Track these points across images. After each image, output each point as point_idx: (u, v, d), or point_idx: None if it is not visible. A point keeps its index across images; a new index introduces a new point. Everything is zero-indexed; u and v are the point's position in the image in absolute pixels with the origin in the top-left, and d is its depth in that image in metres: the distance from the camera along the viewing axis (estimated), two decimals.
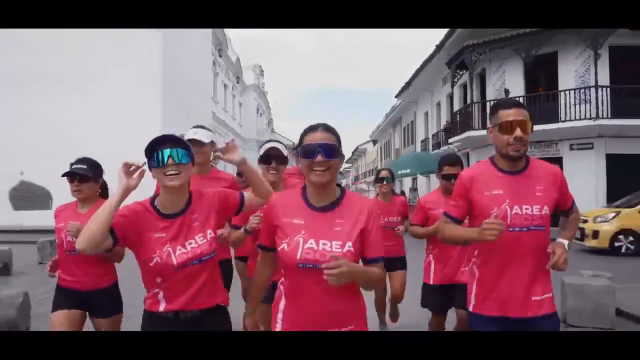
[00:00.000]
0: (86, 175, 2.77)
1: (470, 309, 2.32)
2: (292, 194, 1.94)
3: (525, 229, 2.14)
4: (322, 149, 1.76)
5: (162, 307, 1.99)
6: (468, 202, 2.29)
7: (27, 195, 14.26)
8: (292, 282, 1.84)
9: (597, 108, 14.23)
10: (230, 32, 25.51)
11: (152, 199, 2.04)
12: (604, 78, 14.66)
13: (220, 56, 26.34)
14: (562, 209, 2.35)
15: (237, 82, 32.65)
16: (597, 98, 14.26)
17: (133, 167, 1.89)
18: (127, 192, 1.89)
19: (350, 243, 1.76)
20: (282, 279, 1.91)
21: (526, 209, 2.14)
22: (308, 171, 1.79)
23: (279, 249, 1.82)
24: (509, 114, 2.17)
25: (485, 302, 2.23)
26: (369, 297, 3.88)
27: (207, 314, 2.02)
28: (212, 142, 3.25)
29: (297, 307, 1.83)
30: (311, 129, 1.85)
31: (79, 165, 2.78)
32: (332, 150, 1.78)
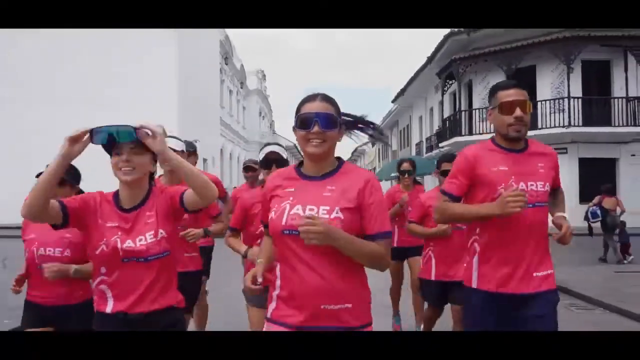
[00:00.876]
0: (62, 179, 2.48)
1: (473, 285, 2.26)
2: (287, 169, 1.87)
3: (530, 205, 2.10)
4: (319, 118, 1.66)
5: (109, 308, 1.93)
6: (470, 180, 2.24)
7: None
8: (282, 253, 1.72)
9: (569, 117, 15.83)
10: (231, 31, 26.79)
11: (116, 192, 2.00)
12: (577, 89, 16.25)
13: (227, 64, 27.93)
14: (553, 188, 2.33)
15: (241, 88, 34.23)
16: (570, 108, 15.86)
17: (79, 135, 1.77)
18: (66, 157, 1.76)
19: (338, 208, 1.64)
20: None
21: (531, 185, 2.14)
22: (304, 143, 1.69)
23: (269, 219, 1.74)
24: (509, 94, 2.17)
25: (487, 278, 2.20)
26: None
27: (158, 316, 1.94)
28: (182, 151, 3.42)
29: (290, 280, 1.68)
30: (308, 98, 1.74)
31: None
32: (330, 121, 1.67)
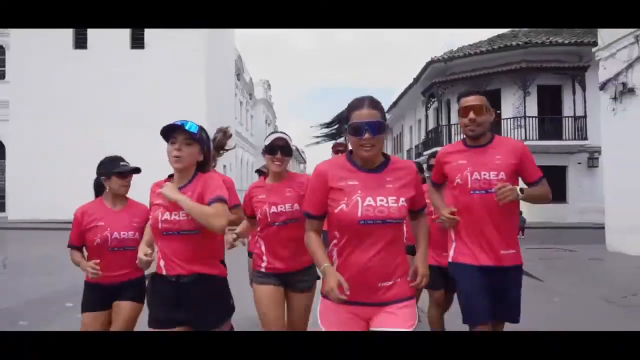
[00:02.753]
0: (137, 169, 2.95)
1: (450, 259, 2.64)
2: (338, 161, 2.05)
3: (483, 192, 2.46)
4: (369, 127, 1.88)
5: (163, 272, 2.25)
6: (441, 172, 2.72)
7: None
8: (350, 239, 1.94)
9: (526, 132, 19.32)
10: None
11: (170, 175, 2.36)
12: (533, 110, 19.72)
13: (239, 80, 31.45)
14: (528, 182, 2.59)
15: (250, 99, 37.76)
16: (526, 124, 19.36)
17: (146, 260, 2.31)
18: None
19: (403, 199, 1.94)
20: (335, 241, 2.00)
21: (484, 174, 2.48)
22: (356, 147, 1.93)
23: (337, 210, 1.93)
24: (467, 100, 2.57)
25: (462, 253, 2.57)
26: None
27: (202, 281, 2.23)
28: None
29: (351, 263, 1.94)
30: (357, 105, 1.95)
31: (125, 163, 2.96)
32: (378, 127, 1.90)
